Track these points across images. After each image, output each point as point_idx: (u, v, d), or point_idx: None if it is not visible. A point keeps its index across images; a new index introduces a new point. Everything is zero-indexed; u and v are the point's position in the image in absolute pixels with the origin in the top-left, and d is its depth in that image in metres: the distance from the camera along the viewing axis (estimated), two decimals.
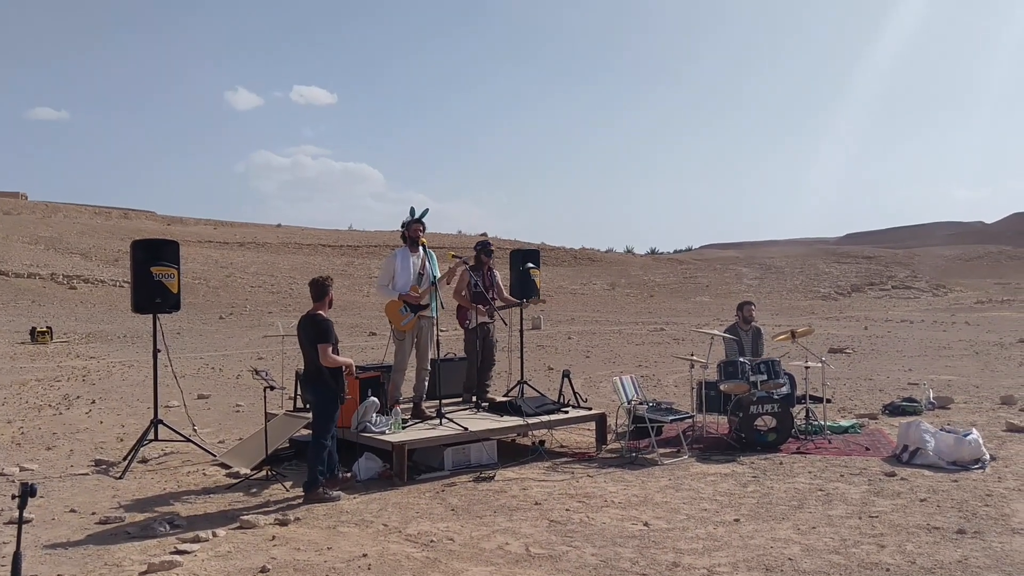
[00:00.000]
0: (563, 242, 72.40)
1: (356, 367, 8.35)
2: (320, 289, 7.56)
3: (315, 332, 7.34)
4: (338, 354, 7.47)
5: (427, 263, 9.00)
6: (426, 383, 9.12)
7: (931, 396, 12.04)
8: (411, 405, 9.08)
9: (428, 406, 8.98)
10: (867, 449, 9.07)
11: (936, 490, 7.32)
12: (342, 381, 7.48)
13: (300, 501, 7.23)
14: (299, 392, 9.48)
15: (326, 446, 7.42)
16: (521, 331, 10.89)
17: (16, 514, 4.58)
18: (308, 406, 7.92)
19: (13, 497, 4.68)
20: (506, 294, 10.20)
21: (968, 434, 8.39)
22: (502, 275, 10.38)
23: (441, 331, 9.30)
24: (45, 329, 23.28)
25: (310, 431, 8.84)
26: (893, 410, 11.46)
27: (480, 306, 9.68)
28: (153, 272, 8.86)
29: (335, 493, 7.27)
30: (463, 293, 9.76)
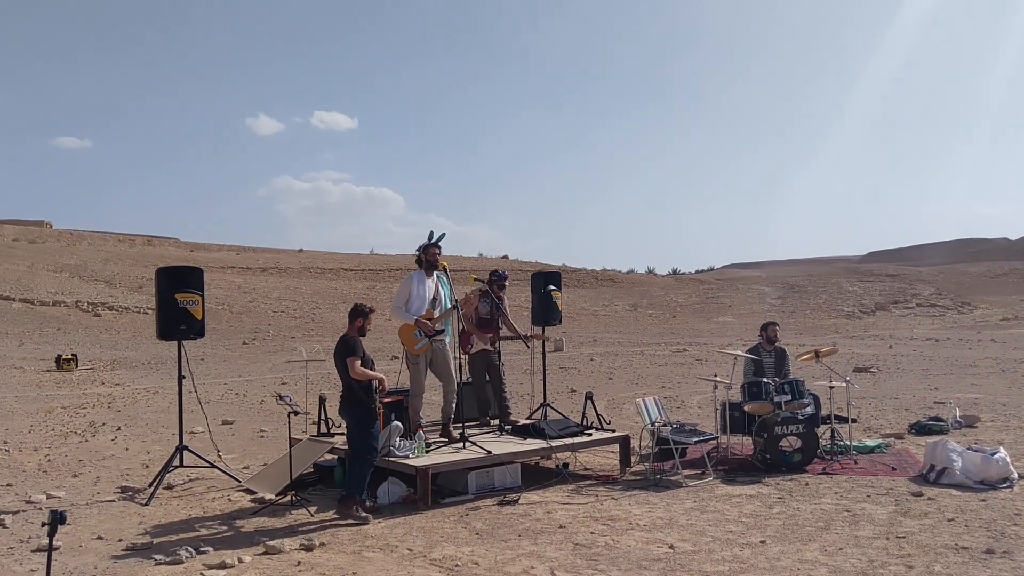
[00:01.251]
0: (584, 263, 72.29)
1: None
2: (352, 312, 7.82)
3: (342, 350, 7.56)
4: (372, 371, 7.65)
5: (440, 288, 9.04)
6: (453, 405, 9.13)
7: (958, 415, 11.92)
8: (438, 427, 9.14)
9: (455, 427, 8.99)
10: (893, 469, 8.98)
11: (964, 510, 7.24)
12: (374, 396, 7.62)
13: (331, 515, 7.28)
14: (322, 417, 9.52)
15: (369, 461, 7.55)
16: (544, 353, 10.88)
17: (45, 541, 4.62)
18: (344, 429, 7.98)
19: (43, 525, 4.72)
20: (513, 324, 10.10)
21: (996, 453, 8.30)
22: (524, 297, 10.39)
23: (465, 353, 9.32)
24: (70, 356, 23.47)
25: (334, 456, 8.91)
26: (919, 429, 11.35)
27: (483, 332, 9.68)
28: (178, 299, 8.94)
29: (365, 515, 7.31)
30: (470, 318, 9.76)
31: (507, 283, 9.98)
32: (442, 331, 8.97)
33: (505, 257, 71.14)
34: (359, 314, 7.79)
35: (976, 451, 8.42)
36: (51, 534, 4.52)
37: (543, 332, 10.38)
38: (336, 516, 7.46)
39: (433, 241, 9.16)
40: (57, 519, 4.45)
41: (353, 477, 7.47)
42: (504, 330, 9.92)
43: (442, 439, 8.87)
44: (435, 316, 8.95)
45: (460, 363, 9.25)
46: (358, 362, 7.50)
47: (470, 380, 9.99)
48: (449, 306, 9.01)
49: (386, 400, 8.57)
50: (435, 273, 9.09)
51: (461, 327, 9.39)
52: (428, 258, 9.08)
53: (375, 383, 7.67)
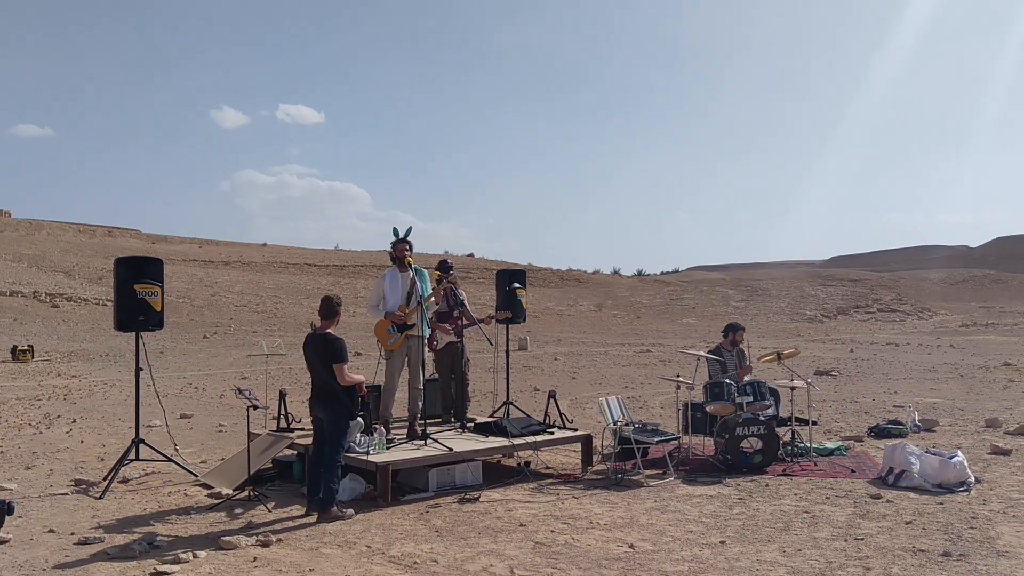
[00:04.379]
0: (550, 263, 72.45)
1: None
2: (330, 308, 7.60)
3: (330, 352, 7.37)
4: (357, 375, 7.55)
5: (417, 282, 8.98)
6: (419, 403, 9.08)
7: (916, 419, 12.06)
8: (404, 424, 9.09)
9: (419, 424, 8.95)
10: (853, 471, 9.06)
11: (921, 512, 7.31)
12: (356, 399, 7.49)
13: (289, 511, 7.18)
14: (282, 412, 9.41)
15: (340, 463, 7.43)
16: (507, 352, 10.86)
17: None
18: (316, 424, 7.84)
19: None
20: (471, 314, 10.09)
21: (953, 456, 8.39)
22: (489, 295, 10.38)
23: (431, 351, 9.26)
24: (26, 347, 23.08)
25: (293, 451, 8.80)
26: (879, 432, 11.47)
27: (445, 325, 9.71)
28: (136, 290, 8.78)
29: (348, 511, 7.24)
30: (430, 315, 9.74)
31: (453, 272, 9.95)
32: (413, 325, 8.90)
33: (471, 255, 71.09)
34: (336, 309, 7.64)
35: (934, 455, 8.50)
36: None
37: (497, 313, 10.34)
38: (295, 514, 7.38)
39: (401, 237, 9.11)
40: (4, 510, 4.36)
41: (326, 489, 7.25)
42: (464, 320, 9.91)
43: (410, 439, 8.80)
44: (407, 311, 8.90)
45: (425, 360, 9.19)
46: (346, 368, 7.37)
47: (436, 376, 9.96)
48: (417, 301, 8.95)
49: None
50: (412, 268, 9.01)
51: (427, 323, 9.33)
52: (396, 254, 9.03)
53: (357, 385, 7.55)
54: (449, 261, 10.27)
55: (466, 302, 9.98)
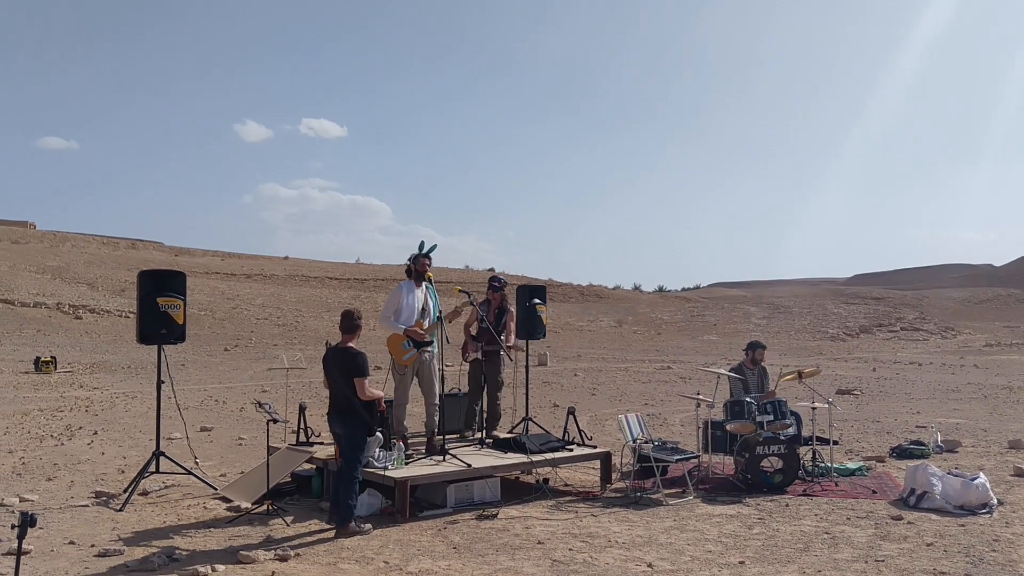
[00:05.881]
0: (570, 278, 72.25)
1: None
2: (351, 322, 7.62)
3: (351, 366, 7.38)
4: (376, 390, 7.56)
5: (429, 298, 9.02)
6: (436, 418, 9.11)
7: (939, 439, 11.93)
8: (422, 439, 9.13)
9: (437, 439, 8.97)
10: (874, 492, 8.97)
11: (943, 534, 7.23)
12: (376, 414, 7.49)
13: (308, 526, 7.19)
14: (302, 426, 9.44)
15: (358, 479, 7.42)
16: (527, 367, 10.85)
17: (15, 544, 4.54)
18: (335, 439, 7.86)
19: (13, 527, 4.65)
20: (513, 337, 10.24)
21: (976, 478, 8.30)
22: None
23: (447, 366, 9.28)
24: (49, 359, 23.27)
25: (312, 465, 8.83)
26: (900, 453, 11.35)
27: (477, 343, 9.93)
28: (159, 303, 8.86)
29: (366, 526, 7.24)
30: (470, 329, 9.94)
31: (502, 288, 10.13)
32: (430, 342, 8.94)
33: (491, 270, 71.04)
34: (358, 323, 7.65)
35: (956, 476, 8.42)
36: (21, 536, 4.45)
37: (514, 343, 10.41)
38: (313, 528, 7.39)
39: (424, 252, 9.16)
40: (27, 521, 4.38)
41: (344, 505, 7.24)
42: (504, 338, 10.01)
43: (428, 455, 8.80)
44: (424, 327, 8.93)
45: (444, 375, 9.22)
46: (367, 383, 7.39)
47: (456, 390, 10.08)
48: (436, 317, 9.00)
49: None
50: (424, 283, 9.07)
51: (446, 339, 9.37)
52: (418, 268, 9.07)
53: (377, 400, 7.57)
54: (502, 278, 10.34)
55: (511, 321, 10.10)
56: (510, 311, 10.27)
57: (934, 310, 67.13)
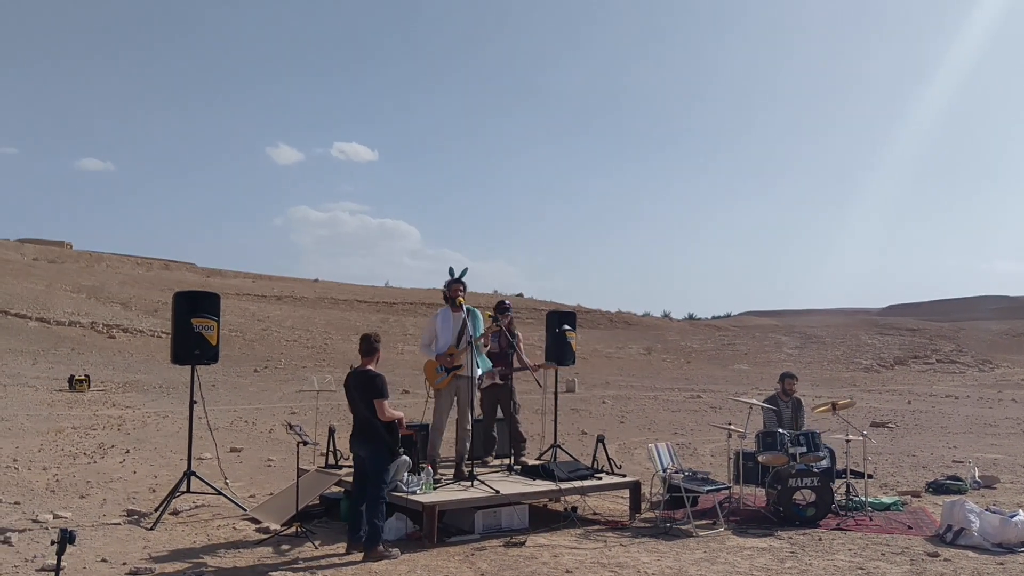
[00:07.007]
0: (599, 305, 71.89)
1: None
2: (369, 345, 7.69)
3: (371, 388, 7.43)
4: (396, 410, 7.59)
5: (468, 323, 9.00)
6: (467, 444, 9.08)
7: (976, 475, 11.72)
8: (451, 464, 9.11)
9: (466, 465, 8.95)
10: (909, 528, 8.82)
11: (981, 572, 7.09)
12: (397, 434, 7.51)
13: (335, 548, 7.18)
14: (331, 448, 9.45)
15: (384, 500, 7.44)
16: (556, 394, 10.81)
17: (50, 561, 4.58)
18: (357, 462, 7.87)
19: (52, 543, 4.71)
20: (524, 357, 10.25)
21: (1015, 515, 8.14)
22: (538, 336, 10.41)
23: (479, 390, 9.28)
24: (83, 377, 23.52)
25: (340, 488, 8.83)
26: (937, 488, 11.16)
27: (493, 370, 9.86)
28: (194, 323, 8.96)
29: (394, 550, 7.23)
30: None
31: (509, 313, 10.10)
32: (459, 367, 8.93)
33: (520, 295, 71.01)
34: (376, 346, 7.72)
35: (995, 513, 8.26)
36: (60, 552, 4.49)
37: (546, 362, 10.40)
38: (341, 551, 7.38)
39: (456, 277, 9.18)
40: (66, 538, 4.42)
41: (372, 527, 7.27)
42: (515, 362, 10.01)
43: (456, 480, 8.78)
44: (457, 351, 8.94)
45: (475, 401, 9.22)
46: (387, 404, 7.42)
47: (480, 417, 10.02)
48: (468, 341, 8.99)
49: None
50: (465, 308, 9.04)
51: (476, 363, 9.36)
52: (450, 293, 9.10)
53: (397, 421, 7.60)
54: (507, 302, 10.34)
55: (519, 344, 10.05)
56: (517, 335, 10.24)
57: (971, 342, 66.09)
